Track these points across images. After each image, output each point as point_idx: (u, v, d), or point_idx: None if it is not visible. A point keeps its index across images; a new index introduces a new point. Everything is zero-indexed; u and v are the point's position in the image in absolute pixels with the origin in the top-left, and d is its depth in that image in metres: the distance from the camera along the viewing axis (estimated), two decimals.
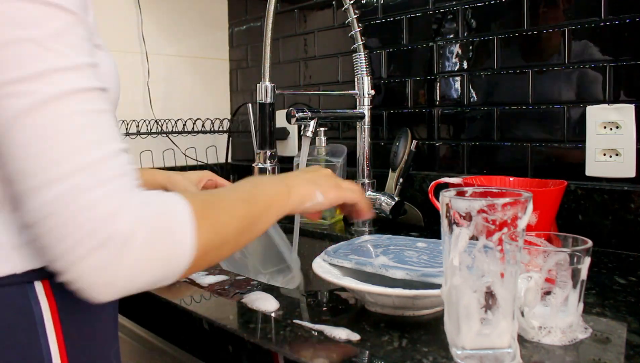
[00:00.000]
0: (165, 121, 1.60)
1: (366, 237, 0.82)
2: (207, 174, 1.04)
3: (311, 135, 1.03)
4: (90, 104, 0.46)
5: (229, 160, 1.76)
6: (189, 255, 0.47)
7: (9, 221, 0.50)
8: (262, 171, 1.06)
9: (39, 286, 0.52)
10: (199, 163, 1.67)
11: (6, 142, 0.44)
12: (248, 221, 0.55)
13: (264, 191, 0.60)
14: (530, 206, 0.49)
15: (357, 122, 1.18)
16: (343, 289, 0.73)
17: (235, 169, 1.74)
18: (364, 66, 1.17)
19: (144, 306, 0.77)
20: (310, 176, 0.66)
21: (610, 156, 0.95)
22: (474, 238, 0.48)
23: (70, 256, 0.43)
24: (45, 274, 0.52)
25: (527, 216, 0.48)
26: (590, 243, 0.55)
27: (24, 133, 0.43)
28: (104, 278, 0.44)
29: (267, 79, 1.04)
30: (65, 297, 0.53)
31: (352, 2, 1.14)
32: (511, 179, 0.97)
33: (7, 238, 0.50)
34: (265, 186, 0.61)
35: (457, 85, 1.16)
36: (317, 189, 0.63)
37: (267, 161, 1.06)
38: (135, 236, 0.44)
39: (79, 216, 0.42)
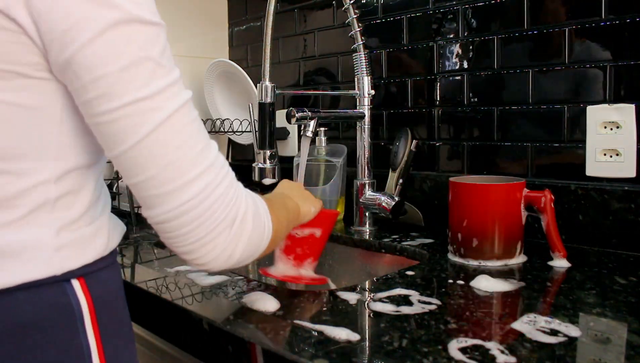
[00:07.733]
0: None
1: None
2: None
3: (311, 135, 1.03)
4: (193, 110, 0.53)
5: (229, 160, 1.76)
6: (269, 237, 0.61)
7: (50, 224, 0.52)
8: (262, 171, 1.06)
9: (76, 284, 0.53)
10: None
11: (140, 154, 0.50)
12: (287, 223, 0.70)
13: (290, 205, 0.74)
14: None
15: (357, 122, 1.18)
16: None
17: (236, 170, 1.74)
18: (364, 66, 1.17)
19: (145, 307, 0.77)
20: (300, 193, 0.80)
21: (611, 156, 0.95)
22: None
23: (208, 237, 0.53)
24: (80, 272, 0.54)
25: None
26: None
27: (159, 145, 0.50)
28: (228, 251, 0.55)
29: (267, 79, 1.04)
30: (98, 293, 0.55)
31: (352, 2, 1.14)
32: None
33: (49, 239, 0.52)
34: (287, 202, 0.74)
35: (457, 85, 1.16)
36: (311, 205, 0.79)
37: (267, 161, 1.06)
38: (247, 218, 0.57)
39: (214, 205, 0.53)
